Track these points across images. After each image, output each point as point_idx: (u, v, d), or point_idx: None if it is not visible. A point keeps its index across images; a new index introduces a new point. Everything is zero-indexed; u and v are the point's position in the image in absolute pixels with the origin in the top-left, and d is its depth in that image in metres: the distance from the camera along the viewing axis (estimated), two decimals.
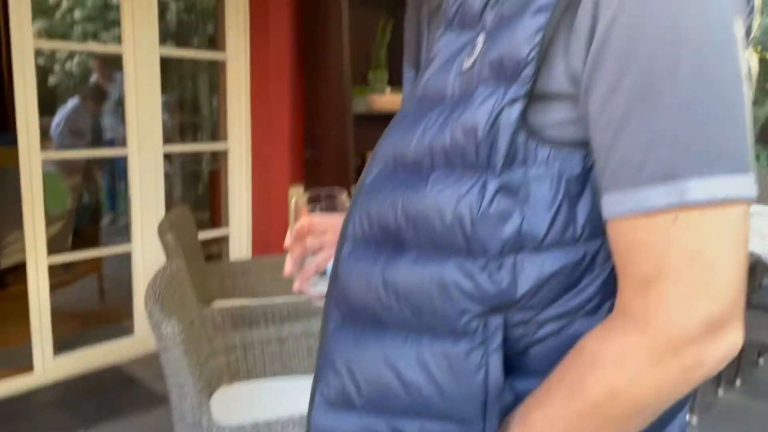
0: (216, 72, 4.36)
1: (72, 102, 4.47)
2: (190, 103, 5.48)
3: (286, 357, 1.97)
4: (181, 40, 5.56)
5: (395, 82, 3.59)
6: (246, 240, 3.44)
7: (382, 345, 0.63)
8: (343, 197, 0.80)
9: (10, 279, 3.90)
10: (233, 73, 3.24)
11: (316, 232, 0.78)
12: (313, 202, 0.78)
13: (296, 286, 0.79)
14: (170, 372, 1.45)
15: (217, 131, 3.53)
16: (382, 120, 3.59)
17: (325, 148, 3.34)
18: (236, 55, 3.21)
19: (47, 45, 3.77)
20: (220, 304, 2.37)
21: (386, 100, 3.47)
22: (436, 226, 0.58)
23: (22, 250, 3.82)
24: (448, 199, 0.57)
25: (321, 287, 0.76)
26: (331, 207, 0.79)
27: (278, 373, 1.97)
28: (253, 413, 1.51)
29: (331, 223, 0.77)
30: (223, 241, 3.49)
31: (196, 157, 5.07)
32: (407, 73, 0.77)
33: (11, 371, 2.77)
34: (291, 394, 1.81)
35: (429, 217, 0.58)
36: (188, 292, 1.79)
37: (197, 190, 5.26)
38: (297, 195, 0.79)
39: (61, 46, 5.95)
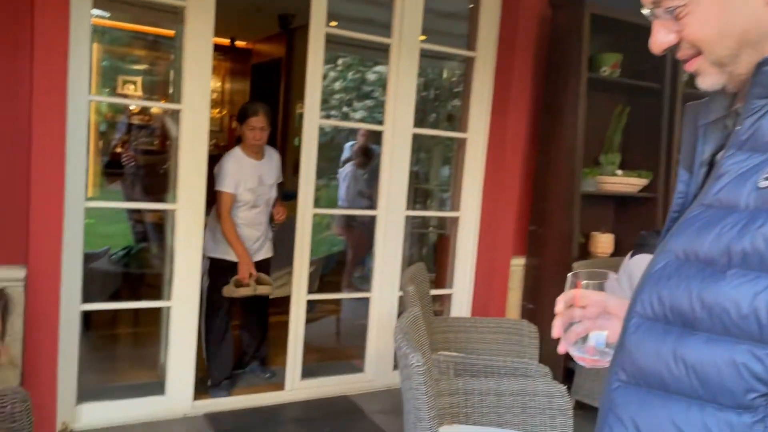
0: (449, 145, 4.82)
1: (350, 166, 5.25)
2: (423, 172, 6.05)
3: (502, 410, 2.15)
4: (422, 115, 6.18)
5: (627, 166, 3.66)
6: (467, 301, 3.71)
7: (667, 407, 0.76)
8: (611, 279, 0.96)
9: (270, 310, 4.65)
10: (471, 149, 3.60)
11: (581, 304, 0.95)
12: (587, 279, 0.96)
13: (561, 348, 0.97)
14: (409, 398, 1.73)
15: (450, 200, 3.91)
16: (610, 201, 3.75)
17: (550, 223, 3.52)
18: (476, 133, 3.58)
19: (328, 123, 4.56)
20: (444, 353, 2.64)
21: (616, 182, 3.55)
22: (732, 314, 0.70)
23: (281, 287, 4.57)
24: (745, 294, 0.69)
25: (579, 352, 0.94)
26: (599, 287, 0.95)
27: (493, 424, 2.16)
28: None
29: (593, 299, 0.95)
30: (446, 299, 3.81)
31: (424, 221, 5.58)
32: (682, 175, 0.88)
33: (267, 387, 3.35)
34: None
35: (725, 306, 0.70)
36: (423, 337, 2.09)
37: (421, 251, 5.72)
38: (575, 269, 0.98)
39: (342, 124, 7.04)
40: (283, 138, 7.61)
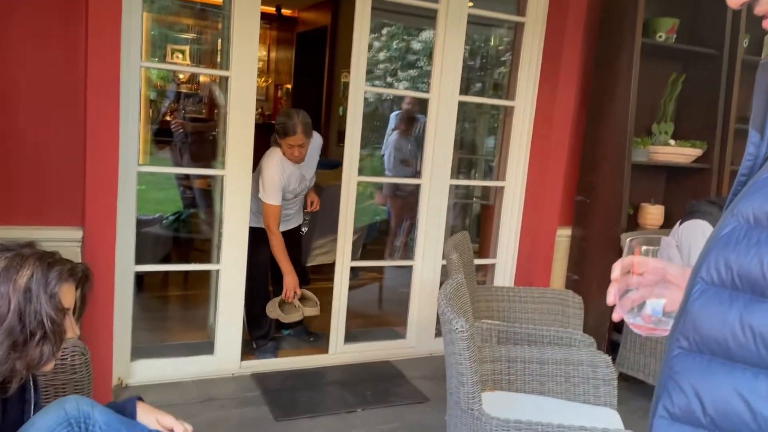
0: (495, 115, 4.75)
1: (395, 134, 5.25)
2: (468, 142, 5.99)
3: (545, 378, 2.15)
4: (467, 84, 6.10)
5: (680, 136, 3.55)
6: (510, 271, 3.70)
7: (731, 376, 0.73)
8: (670, 246, 0.94)
9: (312, 277, 4.74)
10: (518, 118, 3.55)
11: (639, 271, 0.93)
12: (646, 246, 0.93)
13: (615, 315, 0.95)
14: (452, 362, 1.75)
15: (495, 169, 3.87)
16: (661, 172, 3.65)
17: (598, 194, 3.45)
18: (524, 102, 3.52)
19: (373, 90, 4.55)
20: (487, 321, 2.65)
21: (669, 152, 3.45)
22: None
23: (324, 254, 4.64)
24: None
25: (634, 318, 0.92)
26: (659, 254, 0.93)
27: (535, 392, 2.16)
28: (514, 415, 1.74)
29: (652, 266, 0.93)
30: (489, 269, 3.80)
31: (467, 191, 5.54)
32: (753, 137, 0.85)
33: (311, 350, 3.43)
34: (548, 409, 2.00)
35: None
36: (467, 304, 2.10)
37: (464, 221, 5.70)
38: (624, 240, 0.96)
39: (387, 91, 7.02)
40: (328, 107, 7.63)
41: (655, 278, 0.92)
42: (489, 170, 4.77)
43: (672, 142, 3.49)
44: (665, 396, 0.80)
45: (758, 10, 0.80)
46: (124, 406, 1.45)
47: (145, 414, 1.46)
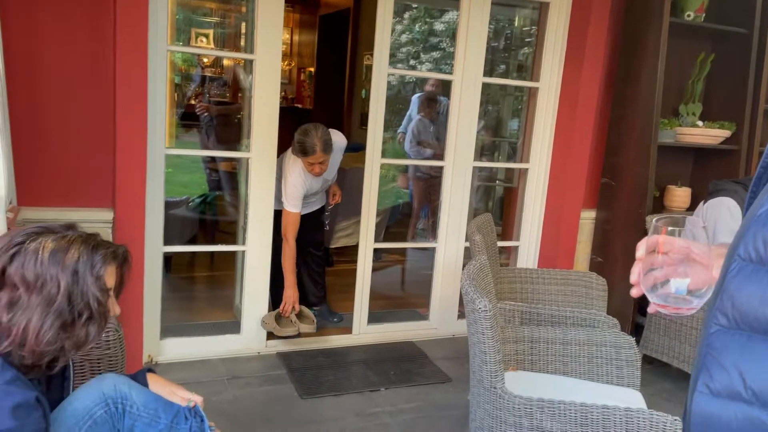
0: (518, 97, 4.70)
1: (416, 118, 5.25)
2: (491, 124, 5.96)
3: (568, 359, 2.17)
4: (490, 66, 6.04)
5: (708, 117, 3.50)
6: (534, 253, 3.69)
7: None
8: (696, 225, 0.94)
9: (335, 259, 4.79)
10: (543, 100, 3.52)
11: (664, 250, 0.93)
12: (672, 226, 0.94)
13: (634, 291, 0.96)
14: (475, 342, 1.77)
15: (519, 151, 3.85)
16: (689, 154, 3.61)
17: (623, 176, 3.42)
18: (548, 83, 3.49)
19: (397, 72, 4.54)
20: (509, 302, 2.66)
21: (696, 134, 3.40)
22: None
23: (347, 236, 4.67)
24: None
25: (658, 299, 0.93)
26: (685, 234, 0.93)
27: (558, 372, 2.18)
28: (537, 393, 1.76)
29: (677, 245, 0.93)
30: (512, 251, 3.80)
31: (491, 173, 5.52)
32: None
33: (335, 331, 3.48)
34: (570, 389, 2.01)
35: None
36: (490, 284, 2.12)
37: (487, 204, 5.69)
38: (658, 217, 0.97)
39: (410, 73, 6.99)
40: (350, 90, 7.63)
41: (680, 257, 0.93)
42: (513, 152, 4.74)
43: (700, 123, 3.43)
44: (704, 373, 0.82)
45: None
46: (135, 377, 1.49)
47: (158, 386, 1.49)
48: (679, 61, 3.44)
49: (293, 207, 3.12)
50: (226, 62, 8.06)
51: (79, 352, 1.24)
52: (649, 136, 3.24)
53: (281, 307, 3.13)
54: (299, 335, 3.13)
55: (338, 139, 3.28)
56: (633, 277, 0.96)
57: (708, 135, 3.40)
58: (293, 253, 3.14)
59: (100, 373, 1.58)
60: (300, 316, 3.15)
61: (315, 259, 3.65)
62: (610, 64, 3.47)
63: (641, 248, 0.96)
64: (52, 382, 1.32)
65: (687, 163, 3.70)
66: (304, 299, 3.38)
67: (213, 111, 5.15)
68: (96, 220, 2.60)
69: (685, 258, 0.94)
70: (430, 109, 5.15)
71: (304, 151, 3.03)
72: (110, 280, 1.22)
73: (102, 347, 1.79)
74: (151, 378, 1.52)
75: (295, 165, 3.13)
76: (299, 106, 8.53)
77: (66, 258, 1.15)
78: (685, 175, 3.68)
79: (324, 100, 7.94)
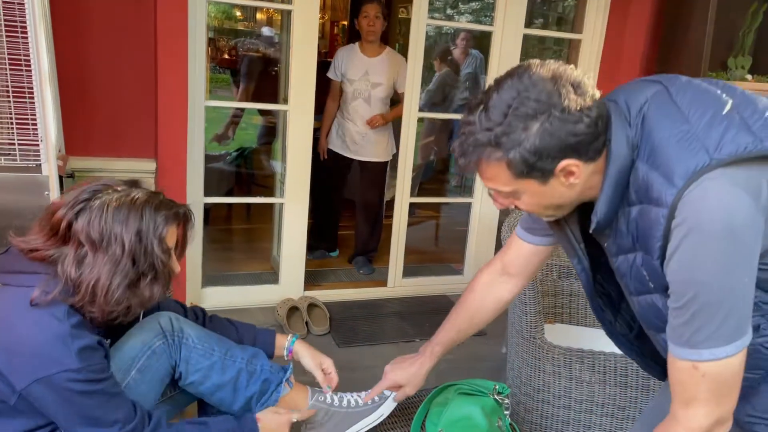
0: (557, 51, 4.58)
1: (444, 72, 5.17)
2: None
3: None
4: (529, 18, 5.89)
5: (759, 70, 3.37)
6: None
7: None
8: None
9: None
10: (585, 52, 3.43)
11: None
12: None
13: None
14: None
15: None
16: None
17: None
18: (591, 35, 3.39)
19: (435, 23, 4.45)
20: None
21: (746, 87, 3.27)
22: None
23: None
24: None
25: None
26: None
27: (597, 326, 2.18)
28: (576, 345, 1.77)
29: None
30: None
31: None
32: None
33: (371, 283, 3.53)
34: (608, 342, 2.02)
35: None
36: None
37: None
38: None
39: (449, 24, 6.83)
40: (384, 43, 7.52)
41: None
42: None
43: (749, 77, 3.31)
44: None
45: None
46: (264, 338, 1.58)
47: (306, 355, 1.58)
48: (730, 12, 3.29)
49: (329, 73, 3.54)
50: (259, 15, 7.99)
51: (144, 309, 1.27)
52: None
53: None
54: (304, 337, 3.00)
55: (399, 58, 3.50)
56: None
57: (758, 89, 3.27)
58: (329, 108, 3.59)
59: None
60: (312, 315, 3.06)
61: (368, 211, 3.69)
62: (656, 14, 3.35)
63: None
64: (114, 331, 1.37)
65: None
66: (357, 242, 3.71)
67: (248, 64, 5.14)
68: (140, 170, 2.65)
69: None
70: (443, 63, 5.06)
71: (359, 2, 3.45)
72: (171, 240, 1.23)
73: None
74: (300, 344, 1.60)
75: (344, 47, 3.60)
76: (331, 60, 8.44)
77: (130, 218, 1.16)
78: None
79: None
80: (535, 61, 0.99)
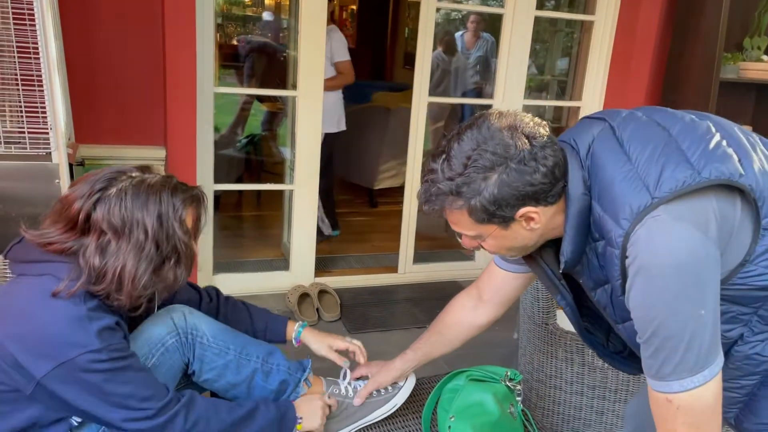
0: (569, 34, 4.52)
1: (435, 53, 5.13)
2: (539, 62, 5.77)
3: None
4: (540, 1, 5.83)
5: None
6: None
7: None
8: None
9: (379, 200, 4.80)
10: (598, 33, 3.37)
11: None
12: None
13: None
14: None
15: (569, 89, 3.73)
16: (751, 90, 3.44)
17: None
18: (604, 15, 3.33)
19: (445, 6, 4.40)
20: None
21: (761, 69, 3.23)
22: None
23: (392, 177, 4.66)
24: None
25: None
26: None
27: None
28: None
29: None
30: None
31: (538, 113, 5.39)
32: None
33: (381, 269, 3.52)
34: None
35: None
36: None
37: None
38: None
39: (459, 7, 6.75)
40: (393, 29, 7.47)
41: None
42: (561, 92, 4.59)
43: (765, 57, 3.25)
44: None
45: None
46: (275, 323, 1.57)
47: (313, 341, 1.59)
48: None
49: None
50: (267, 1, 7.95)
51: (170, 293, 1.27)
52: (710, 72, 3.09)
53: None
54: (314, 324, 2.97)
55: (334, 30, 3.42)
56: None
57: None
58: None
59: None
60: (323, 301, 3.06)
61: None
62: None
63: None
64: (133, 319, 1.37)
65: (749, 100, 3.53)
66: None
67: (256, 50, 5.11)
68: (149, 157, 2.65)
69: None
70: (448, 51, 5.01)
71: None
72: (190, 222, 1.23)
73: None
74: (307, 332, 1.60)
75: None
76: None
77: (149, 202, 1.16)
78: (746, 113, 3.52)
79: (366, 39, 7.79)
80: (494, 112, 1.02)
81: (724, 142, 0.98)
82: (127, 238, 1.14)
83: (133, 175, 1.20)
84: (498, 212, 0.98)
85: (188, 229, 1.21)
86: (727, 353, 1.04)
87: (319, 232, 3.63)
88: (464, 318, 1.46)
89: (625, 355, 1.23)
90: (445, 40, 5.26)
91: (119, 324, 1.19)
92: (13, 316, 1.13)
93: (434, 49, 4.92)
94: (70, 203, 1.17)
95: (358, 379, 1.56)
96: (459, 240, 1.09)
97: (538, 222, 1.01)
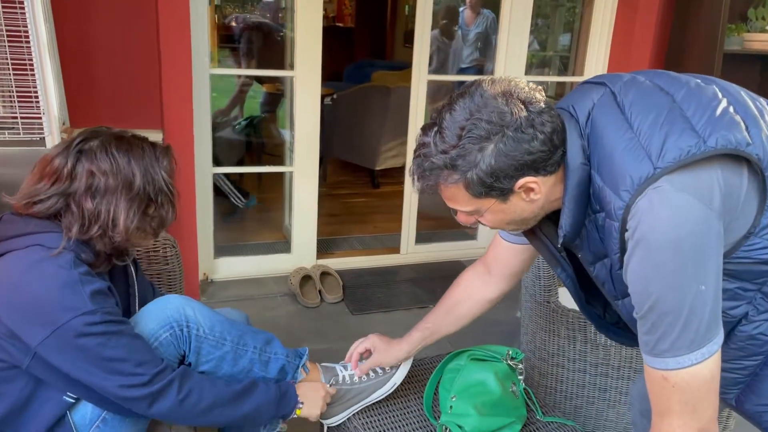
0: (570, 9, 4.45)
1: (432, 33, 5.08)
2: (541, 39, 5.69)
3: None
4: None
5: None
6: None
7: None
8: None
9: (381, 181, 4.77)
10: (600, 6, 3.31)
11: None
12: None
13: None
14: None
15: (571, 65, 3.68)
16: (756, 62, 3.37)
17: None
18: None
19: None
20: None
21: (766, 39, 3.16)
22: None
23: (393, 157, 4.63)
24: None
25: None
26: None
27: None
28: None
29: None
30: None
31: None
32: None
33: (384, 250, 3.51)
34: None
35: None
36: None
37: None
38: None
39: None
40: (393, 7, 7.37)
41: None
42: (563, 68, 4.54)
43: None
44: None
45: None
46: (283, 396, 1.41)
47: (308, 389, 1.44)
48: None
49: None
50: None
51: (160, 232, 1.31)
52: (714, 43, 3.03)
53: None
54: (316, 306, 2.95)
55: None
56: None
57: None
58: None
59: (159, 289, 1.63)
60: (325, 283, 3.05)
61: None
62: None
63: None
64: (115, 279, 1.36)
65: (754, 72, 3.47)
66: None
67: (253, 31, 5.06)
68: None
69: None
70: (445, 21, 4.94)
71: None
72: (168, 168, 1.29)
73: (161, 262, 1.84)
74: (299, 386, 1.44)
75: None
76: (340, 24, 8.31)
77: (133, 148, 1.21)
78: (751, 85, 3.44)
79: (366, 17, 7.70)
80: (486, 78, 0.97)
81: (731, 109, 0.92)
82: (116, 179, 1.18)
83: (112, 130, 1.25)
84: (496, 184, 0.94)
85: (171, 172, 1.27)
86: (731, 333, 1.00)
87: (235, 208, 3.62)
88: (475, 293, 1.42)
89: (621, 326, 1.20)
90: (442, 23, 5.17)
91: (111, 290, 1.21)
92: (4, 289, 1.13)
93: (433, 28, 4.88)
94: (49, 160, 1.20)
95: (361, 355, 1.54)
96: (454, 217, 1.06)
97: (538, 192, 0.97)
